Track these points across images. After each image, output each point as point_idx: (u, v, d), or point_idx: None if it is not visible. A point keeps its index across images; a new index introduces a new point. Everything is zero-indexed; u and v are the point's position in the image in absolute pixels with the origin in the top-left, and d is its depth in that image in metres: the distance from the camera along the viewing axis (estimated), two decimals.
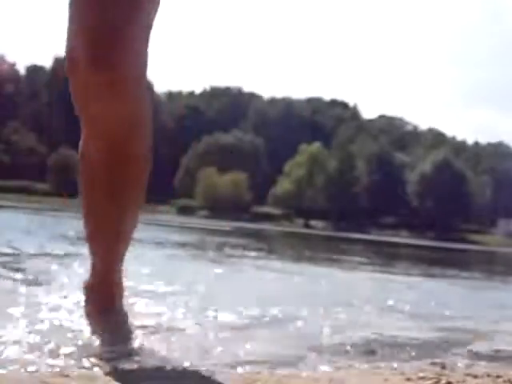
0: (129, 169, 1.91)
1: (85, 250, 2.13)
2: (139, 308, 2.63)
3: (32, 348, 1.82)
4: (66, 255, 4.96)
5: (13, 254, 4.80)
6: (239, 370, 1.71)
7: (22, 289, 2.93)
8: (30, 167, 72.67)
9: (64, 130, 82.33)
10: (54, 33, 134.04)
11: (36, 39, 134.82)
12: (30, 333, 2.00)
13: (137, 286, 3.15)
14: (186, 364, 1.75)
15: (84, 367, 1.64)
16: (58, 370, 1.58)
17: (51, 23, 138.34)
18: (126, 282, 2.19)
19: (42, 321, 2.19)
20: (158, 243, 8.66)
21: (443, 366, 2.03)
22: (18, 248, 5.19)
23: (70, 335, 2.00)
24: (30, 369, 1.58)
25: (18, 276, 3.43)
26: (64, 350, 1.81)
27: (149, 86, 1.86)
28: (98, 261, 2.05)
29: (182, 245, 9.35)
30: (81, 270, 3.62)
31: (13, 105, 78.99)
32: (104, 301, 2.07)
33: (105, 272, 2.06)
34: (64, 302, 2.60)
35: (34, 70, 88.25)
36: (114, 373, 1.60)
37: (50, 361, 1.70)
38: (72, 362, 1.69)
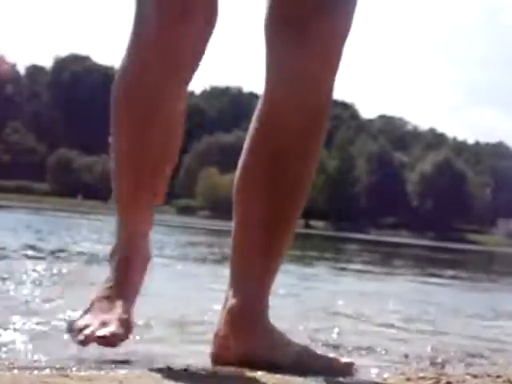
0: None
1: None
2: None
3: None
4: None
5: None
6: (239, 370, 1.71)
7: None
8: (30, 167, 72.71)
9: (64, 130, 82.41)
10: (54, 33, 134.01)
11: (36, 39, 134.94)
12: None
13: None
14: (187, 364, 1.75)
15: (84, 367, 1.64)
16: (58, 370, 1.58)
17: (51, 23, 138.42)
18: None
19: None
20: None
21: (443, 366, 2.03)
22: None
23: None
24: (31, 368, 1.58)
25: None
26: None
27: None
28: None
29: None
30: None
31: (13, 105, 79.02)
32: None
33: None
34: None
35: (34, 71, 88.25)
36: (116, 373, 1.60)
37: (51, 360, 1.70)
38: (72, 362, 1.69)
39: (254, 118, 1.73)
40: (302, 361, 1.63)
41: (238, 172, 1.71)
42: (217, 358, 1.70)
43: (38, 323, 2.24)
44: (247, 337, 1.65)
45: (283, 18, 1.64)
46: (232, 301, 1.67)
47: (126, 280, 1.73)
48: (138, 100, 1.67)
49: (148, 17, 1.56)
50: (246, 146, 1.71)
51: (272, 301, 1.76)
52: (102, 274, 1.82)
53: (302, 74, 1.63)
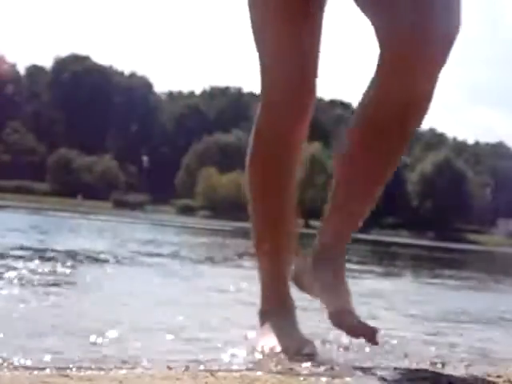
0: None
1: None
2: None
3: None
4: None
5: None
6: (239, 370, 1.71)
7: None
8: (30, 167, 72.66)
9: (64, 130, 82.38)
10: (54, 33, 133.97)
11: (36, 39, 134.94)
12: None
13: None
14: (187, 364, 1.75)
15: (84, 367, 1.64)
16: (58, 370, 1.58)
17: (51, 23, 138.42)
18: None
19: None
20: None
21: (443, 366, 2.03)
22: None
23: None
24: (31, 368, 1.58)
25: None
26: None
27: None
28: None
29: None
30: None
31: (13, 105, 78.99)
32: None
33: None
34: None
35: (34, 71, 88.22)
36: (116, 374, 1.60)
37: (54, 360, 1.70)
38: (72, 362, 1.69)
39: (362, 97, 1.96)
40: (345, 314, 1.91)
41: (346, 139, 2.00)
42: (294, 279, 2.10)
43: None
44: (318, 274, 2.00)
45: (389, 40, 1.85)
46: (316, 244, 2.04)
47: None
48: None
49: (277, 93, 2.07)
50: (353, 119, 1.99)
51: None
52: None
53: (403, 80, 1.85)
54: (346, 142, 2.00)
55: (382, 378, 1.72)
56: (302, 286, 2.11)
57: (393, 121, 1.90)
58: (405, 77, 1.82)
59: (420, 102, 1.88)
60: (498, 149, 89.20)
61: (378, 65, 1.88)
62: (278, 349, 1.93)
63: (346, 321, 1.89)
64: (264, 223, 2.09)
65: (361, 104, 1.96)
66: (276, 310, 2.06)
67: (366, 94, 1.93)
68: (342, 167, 2.01)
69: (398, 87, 1.85)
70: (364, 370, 1.83)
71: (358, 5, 1.93)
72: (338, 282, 2.01)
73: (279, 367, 1.78)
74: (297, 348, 1.92)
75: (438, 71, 1.82)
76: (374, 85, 1.90)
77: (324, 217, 2.06)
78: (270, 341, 1.97)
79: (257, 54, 2.06)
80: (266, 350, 1.94)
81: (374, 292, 4.69)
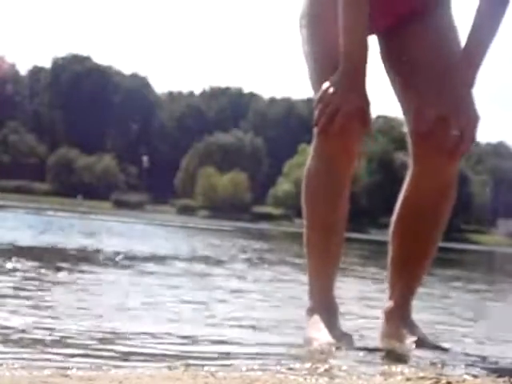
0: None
1: None
2: None
3: None
4: None
5: None
6: (238, 370, 1.71)
7: None
8: (30, 167, 72.64)
9: (64, 130, 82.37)
10: (55, 33, 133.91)
11: (36, 39, 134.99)
12: None
13: None
14: (186, 364, 1.75)
15: (84, 367, 1.64)
16: (58, 370, 1.58)
17: (51, 23, 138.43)
18: None
19: None
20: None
21: (443, 366, 2.03)
22: None
23: None
24: (31, 368, 1.58)
25: None
26: None
27: None
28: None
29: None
30: None
31: (13, 105, 78.97)
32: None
33: None
34: None
35: (34, 71, 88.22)
36: (116, 373, 1.60)
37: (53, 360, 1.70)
38: (72, 362, 1.69)
39: (404, 188, 2.51)
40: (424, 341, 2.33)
41: (392, 222, 2.49)
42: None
43: None
44: (397, 330, 2.39)
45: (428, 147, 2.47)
46: (388, 303, 2.45)
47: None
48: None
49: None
50: (396, 207, 2.49)
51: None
52: None
53: (434, 172, 2.43)
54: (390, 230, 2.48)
55: (382, 378, 1.72)
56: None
57: (428, 205, 2.39)
58: (437, 161, 2.37)
59: (450, 187, 2.41)
60: (498, 149, 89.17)
61: (413, 150, 2.54)
62: (328, 338, 2.20)
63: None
64: (316, 230, 2.37)
65: (401, 194, 2.46)
66: (322, 307, 2.33)
67: (406, 183, 2.48)
68: (392, 250, 2.48)
69: (432, 171, 2.40)
70: (363, 369, 1.83)
71: (389, 77, 2.53)
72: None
73: (279, 367, 1.78)
74: (339, 340, 2.21)
75: (460, 157, 2.35)
76: (411, 173, 2.50)
77: (388, 280, 2.50)
78: (320, 331, 2.25)
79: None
80: (318, 340, 2.21)
81: (374, 293, 4.69)
